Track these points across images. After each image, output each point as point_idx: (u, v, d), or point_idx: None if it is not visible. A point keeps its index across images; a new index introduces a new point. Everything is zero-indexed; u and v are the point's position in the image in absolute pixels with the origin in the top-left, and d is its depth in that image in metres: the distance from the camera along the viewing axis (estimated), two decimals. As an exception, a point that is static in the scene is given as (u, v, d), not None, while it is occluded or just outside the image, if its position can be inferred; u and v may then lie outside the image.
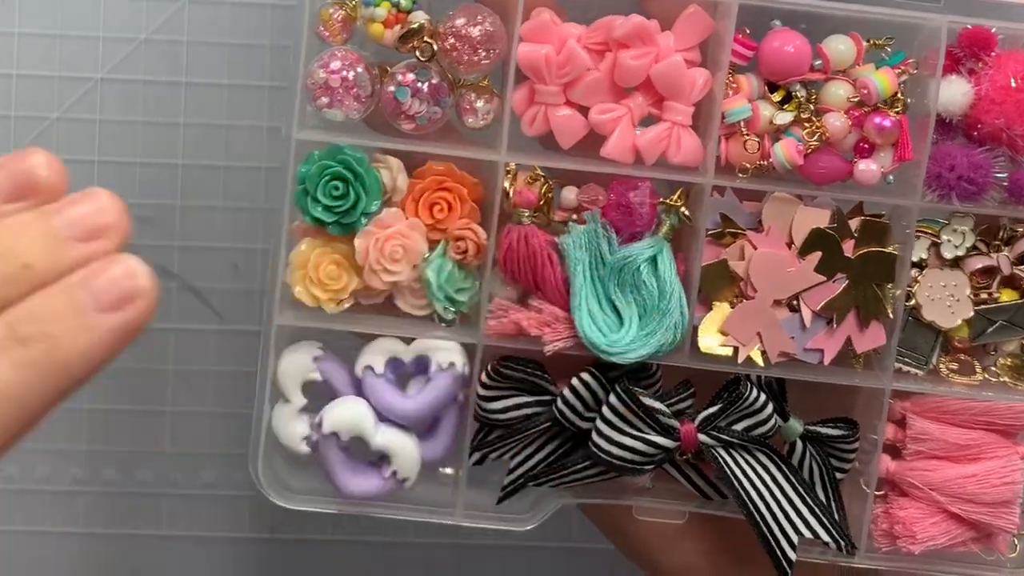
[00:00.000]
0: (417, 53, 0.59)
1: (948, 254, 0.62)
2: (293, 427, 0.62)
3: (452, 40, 0.59)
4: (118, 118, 0.72)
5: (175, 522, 0.77)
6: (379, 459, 0.62)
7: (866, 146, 0.61)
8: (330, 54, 0.59)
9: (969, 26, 0.60)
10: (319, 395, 0.63)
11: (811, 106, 0.61)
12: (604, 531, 0.67)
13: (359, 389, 0.62)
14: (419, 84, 0.59)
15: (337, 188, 0.59)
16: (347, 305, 0.61)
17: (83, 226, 0.38)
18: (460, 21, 0.59)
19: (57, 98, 0.72)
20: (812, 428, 0.63)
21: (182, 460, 0.77)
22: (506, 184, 0.60)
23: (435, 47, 0.59)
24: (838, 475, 0.64)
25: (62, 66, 0.72)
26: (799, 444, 0.63)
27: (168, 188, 0.73)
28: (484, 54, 0.59)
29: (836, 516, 0.62)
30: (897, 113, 0.60)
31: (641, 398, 0.60)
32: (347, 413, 0.61)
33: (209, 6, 0.72)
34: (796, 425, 0.62)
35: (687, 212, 0.61)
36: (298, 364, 0.62)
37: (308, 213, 0.60)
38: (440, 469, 0.64)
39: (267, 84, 0.72)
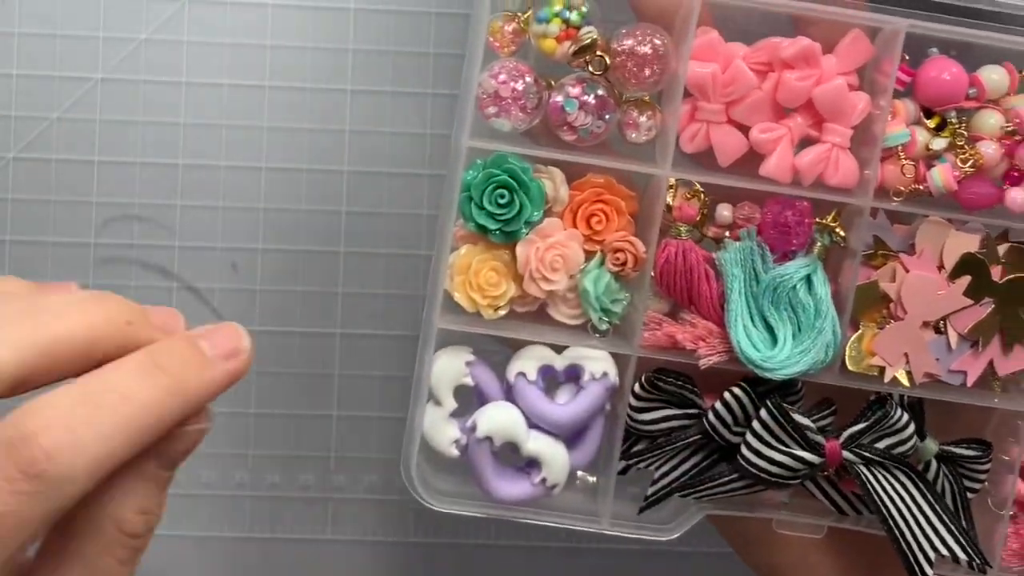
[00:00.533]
0: (589, 67, 0.60)
1: (1091, 282, 0.64)
2: (444, 430, 0.62)
3: (622, 57, 0.60)
4: (118, 118, 0.72)
5: (176, 522, 0.76)
6: (527, 465, 0.63)
7: (1016, 174, 0.62)
8: (500, 65, 0.60)
9: (1122, 60, 0.61)
10: (467, 399, 0.63)
11: (964, 133, 0.62)
12: (735, 542, 0.68)
13: (508, 395, 0.63)
14: (586, 97, 0.60)
15: (503, 196, 0.60)
16: (504, 312, 0.62)
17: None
18: (630, 41, 0.60)
19: (57, 98, 0.72)
20: (947, 448, 0.64)
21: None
22: (669, 198, 0.61)
23: (607, 60, 0.60)
24: (969, 494, 0.65)
25: (62, 66, 0.72)
26: (933, 463, 0.64)
27: (168, 188, 0.73)
28: (652, 71, 0.60)
29: (970, 534, 0.64)
30: (1048, 143, 0.62)
31: (791, 414, 0.61)
32: (501, 418, 0.62)
33: (209, 6, 0.72)
34: (932, 445, 0.64)
35: (842, 233, 0.62)
36: (452, 368, 0.62)
37: (472, 219, 0.60)
38: (580, 475, 0.65)
39: (267, 84, 0.72)
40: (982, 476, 0.65)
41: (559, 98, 0.60)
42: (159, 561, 0.75)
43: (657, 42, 0.60)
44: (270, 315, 0.75)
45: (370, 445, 0.76)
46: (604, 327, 0.62)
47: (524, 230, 0.61)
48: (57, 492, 0.42)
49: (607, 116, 0.61)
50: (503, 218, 0.60)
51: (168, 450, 0.47)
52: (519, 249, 0.61)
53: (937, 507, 0.63)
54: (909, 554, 0.62)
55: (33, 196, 0.73)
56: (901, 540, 0.62)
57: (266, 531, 0.77)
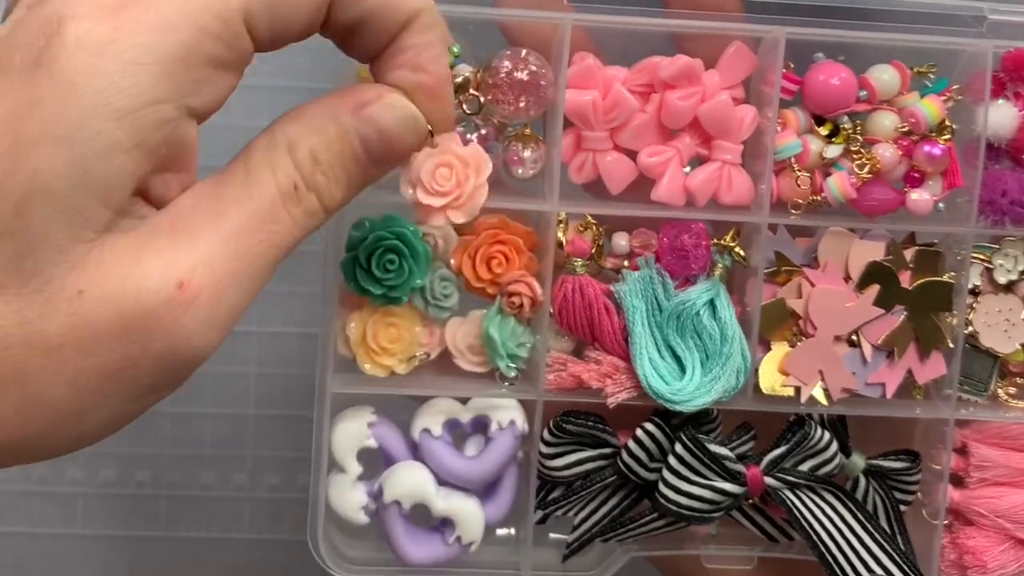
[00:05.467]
0: (464, 107, 0.57)
1: (1002, 279, 0.62)
2: (351, 497, 0.60)
3: (498, 86, 0.57)
4: None
5: (174, 523, 0.76)
6: (441, 524, 0.60)
7: (916, 175, 0.60)
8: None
9: (1012, 49, 0.60)
10: (372, 461, 0.61)
11: (859, 138, 0.60)
12: (669, 578, 0.66)
13: (415, 452, 0.60)
14: (467, 136, 0.58)
15: (392, 262, 0.57)
16: (418, 362, 0.59)
17: None
18: (507, 65, 0.57)
19: None
20: (874, 462, 0.62)
21: (181, 461, 0.76)
22: (559, 234, 0.59)
23: (482, 100, 0.57)
24: (902, 507, 0.63)
25: None
26: (862, 479, 0.62)
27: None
28: (529, 100, 0.58)
29: (904, 550, 0.62)
30: (945, 141, 0.60)
31: (708, 445, 0.59)
32: (408, 480, 0.59)
33: None
34: (859, 460, 0.62)
35: (741, 252, 0.60)
36: (353, 431, 0.60)
37: (355, 282, 0.58)
38: (499, 531, 0.62)
39: (267, 84, 0.70)
40: (913, 487, 0.63)
41: (439, 145, 0.58)
42: (159, 561, 0.76)
43: (534, 68, 0.57)
44: (270, 315, 0.74)
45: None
46: (513, 373, 0.60)
47: (405, 297, 0.58)
48: None
49: (493, 147, 0.58)
50: (390, 283, 0.58)
51: (372, 114, 0.46)
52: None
53: (868, 526, 0.60)
54: (842, 577, 0.59)
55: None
56: (833, 564, 0.60)
57: (265, 532, 0.76)
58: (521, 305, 0.59)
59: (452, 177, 0.54)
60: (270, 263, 0.44)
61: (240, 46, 0.43)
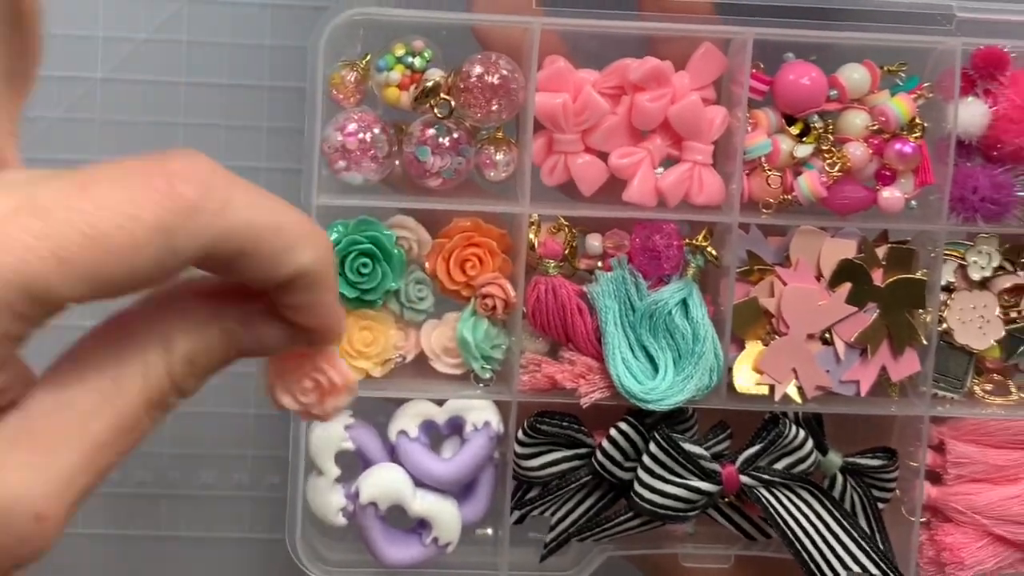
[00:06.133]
0: (435, 111, 0.58)
1: (976, 275, 0.62)
2: (329, 499, 0.60)
3: (469, 90, 0.58)
4: (118, 118, 0.71)
5: (175, 522, 0.75)
6: (419, 525, 0.61)
7: (887, 173, 0.60)
8: (345, 116, 0.58)
9: (982, 46, 0.60)
10: (350, 463, 0.61)
11: (830, 137, 0.60)
12: (649, 576, 0.66)
13: (392, 454, 0.61)
14: (439, 139, 0.58)
15: (366, 265, 0.58)
16: (392, 365, 0.60)
17: None
18: (478, 69, 0.58)
19: (57, 98, 0.71)
20: (851, 460, 0.62)
21: (181, 460, 0.76)
22: (531, 236, 0.59)
23: (452, 104, 0.58)
24: (879, 505, 0.63)
25: (62, 66, 0.70)
26: (839, 477, 0.62)
27: None
28: (501, 104, 0.58)
29: (882, 547, 0.62)
30: (916, 138, 0.60)
31: (682, 444, 0.59)
32: (384, 482, 0.60)
33: (209, 6, 0.71)
34: (835, 458, 0.62)
35: (713, 252, 0.60)
36: (330, 434, 0.60)
37: (329, 283, 0.58)
38: (478, 531, 0.63)
39: (267, 84, 0.71)
40: (891, 485, 0.63)
41: (411, 148, 0.58)
42: (159, 561, 0.75)
43: (505, 72, 0.58)
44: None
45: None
46: (487, 375, 0.60)
47: (381, 299, 0.59)
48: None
49: (465, 151, 0.59)
50: (363, 287, 0.58)
51: (259, 331, 0.39)
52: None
53: (845, 523, 0.61)
54: (819, 575, 0.60)
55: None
56: (810, 561, 0.60)
57: (265, 532, 0.76)
58: (494, 307, 0.59)
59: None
60: (113, 469, 0.39)
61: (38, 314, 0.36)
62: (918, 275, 0.61)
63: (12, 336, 0.35)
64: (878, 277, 0.61)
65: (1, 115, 0.41)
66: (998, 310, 0.62)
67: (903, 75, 0.61)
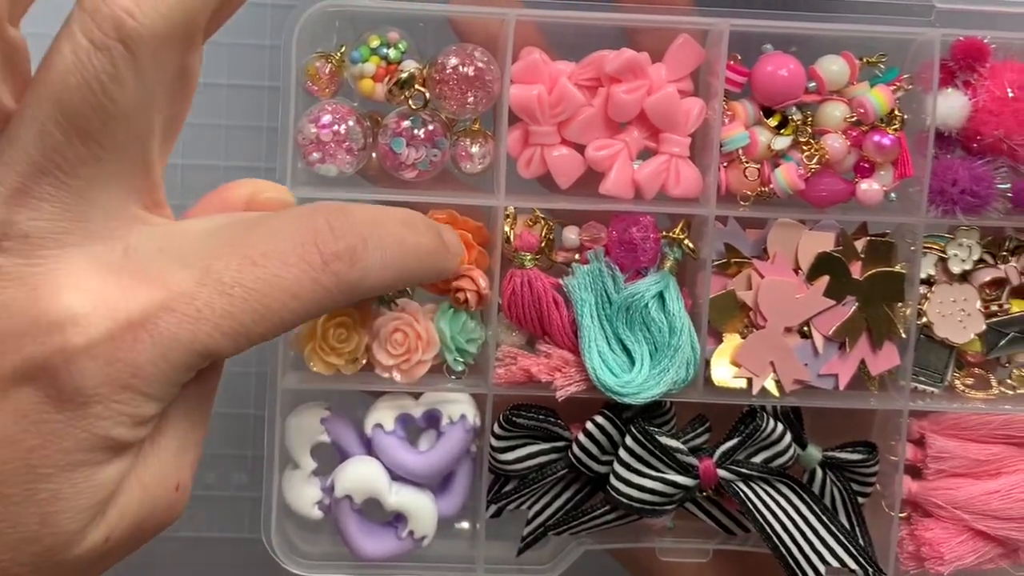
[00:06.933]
0: (410, 103, 0.58)
1: (956, 268, 0.61)
2: (304, 492, 0.60)
3: (444, 81, 0.57)
4: None
5: (176, 522, 0.75)
6: (395, 519, 0.61)
7: (866, 165, 0.60)
8: (320, 108, 0.58)
9: (962, 38, 0.59)
10: (328, 457, 0.61)
11: (808, 129, 0.60)
12: (631, 572, 0.66)
13: (369, 447, 0.60)
14: (414, 131, 0.58)
15: None
16: (364, 362, 0.59)
17: None
18: (453, 61, 0.58)
19: None
20: (831, 454, 0.62)
21: None
22: (506, 228, 0.59)
23: (427, 95, 0.58)
24: (860, 499, 0.62)
25: None
26: (819, 471, 0.62)
27: (168, 188, 0.71)
28: (477, 96, 0.58)
29: (861, 542, 0.61)
30: (895, 130, 0.60)
31: (658, 437, 0.59)
32: (360, 475, 0.59)
33: None
34: (815, 452, 0.61)
35: (691, 244, 0.60)
36: (305, 427, 0.60)
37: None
38: (456, 525, 0.63)
39: (267, 84, 0.70)
40: (871, 479, 0.62)
41: (385, 140, 0.58)
42: (158, 561, 0.75)
43: (480, 64, 0.58)
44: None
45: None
46: (460, 368, 0.60)
47: None
48: (342, 298, 0.46)
49: (440, 143, 0.59)
50: None
51: None
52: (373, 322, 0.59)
53: (824, 518, 0.60)
54: (796, 569, 0.59)
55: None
56: (788, 556, 0.59)
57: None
58: (466, 300, 0.59)
59: (405, 344, 0.58)
60: None
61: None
62: (897, 268, 0.61)
63: (182, 383, 0.44)
64: (857, 270, 0.60)
65: (159, 161, 0.46)
66: (979, 303, 0.62)
67: (882, 67, 0.60)
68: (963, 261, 0.62)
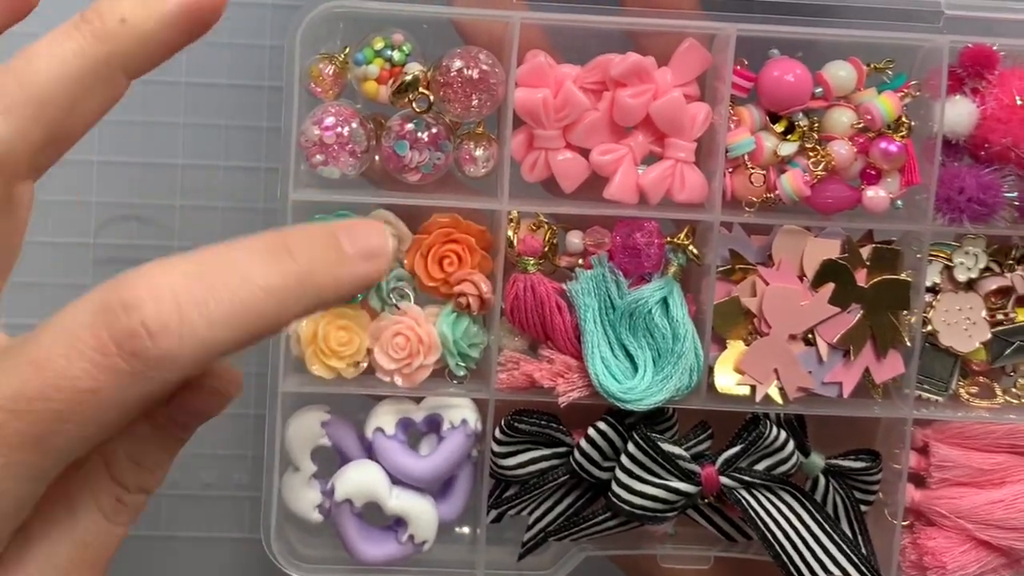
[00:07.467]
0: (414, 105, 0.57)
1: (962, 277, 0.61)
2: (304, 495, 0.60)
3: (448, 84, 0.57)
4: (118, 118, 0.70)
5: (175, 522, 0.75)
6: (395, 523, 0.60)
7: (873, 172, 0.60)
8: (323, 110, 0.58)
9: (970, 44, 0.59)
10: (328, 460, 0.61)
11: (814, 135, 0.59)
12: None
13: (369, 451, 0.60)
14: (418, 134, 0.58)
15: None
16: (364, 366, 0.59)
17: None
18: (458, 63, 0.57)
19: None
20: (834, 462, 0.61)
21: (182, 460, 0.75)
22: (509, 232, 0.59)
23: (431, 98, 0.57)
24: (863, 508, 0.62)
25: None
26: (822, 479, 0.61)
27: (168, 188, 0.70)
28: (481, 99, 0.57)
29: (864, 550, 0.61)
30: (902, 137, 0.59)
31: (660, 444, 0.58)
32: (360, 479, 0.59)
33: None
34: (818, 460, 0.61)
35: (695, 250, 0.60)
36: (306, 430, 0.60)
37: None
38: (456, 529, 0.62)
39: (267, 84, 0.70)
40: (875, 487, 0.62)
41: (389, 143, 0.58)
42: (159, 561, 0.74)
43: (485, 66, 0.57)
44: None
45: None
46: (462, 372, 0.60)
47: (360, 296, 0.58)
48: (153, 376, 0.37)
49: (444, 146, 0.58)
50: None
51: (185, 402, 0.43)
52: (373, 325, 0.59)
53: (826, 526, 0.60)
54: (798, 577, 0.59)
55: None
56: (789, 564, 0.59)
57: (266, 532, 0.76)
58: (468, 304, 0.59)
59: (406, 348, 0.58)
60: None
61: None
62: (903, 276, 0.60)
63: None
64: (862, 278, 0.60)
65: None
66: (984, 312, 0.61)
67: (890, 73, 0.60)
68: (969, 269, 0.61)
